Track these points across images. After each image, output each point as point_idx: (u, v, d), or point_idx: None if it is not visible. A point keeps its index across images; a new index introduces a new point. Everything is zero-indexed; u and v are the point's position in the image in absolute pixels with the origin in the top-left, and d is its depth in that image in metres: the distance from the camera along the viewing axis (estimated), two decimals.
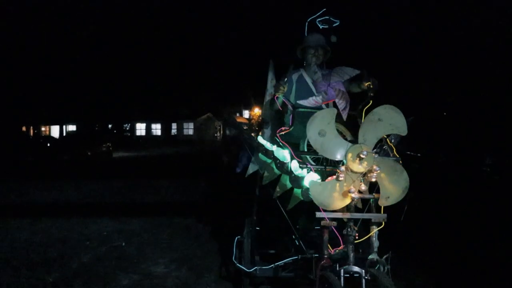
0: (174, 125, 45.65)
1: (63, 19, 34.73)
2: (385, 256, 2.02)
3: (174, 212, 6.33)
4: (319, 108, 2.73)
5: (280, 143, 2.45)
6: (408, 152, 11.25)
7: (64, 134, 42.83)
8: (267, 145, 2.49)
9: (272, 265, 2.74)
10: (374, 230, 2.04)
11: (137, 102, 41.76)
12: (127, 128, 45.37)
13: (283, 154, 2.37)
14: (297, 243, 2.66)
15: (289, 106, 2.78)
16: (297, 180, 2.25)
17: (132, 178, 10.96)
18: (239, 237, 3.32)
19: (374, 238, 2.05)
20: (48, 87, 35.93)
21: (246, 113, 54.54)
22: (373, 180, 1.95)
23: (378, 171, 1.91)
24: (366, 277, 1.91)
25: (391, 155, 2.18)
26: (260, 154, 2.48)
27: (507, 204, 7.27)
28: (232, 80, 43.04)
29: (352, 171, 1.94)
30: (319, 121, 1.98)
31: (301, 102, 2.82)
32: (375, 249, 2.04)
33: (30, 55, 34.32)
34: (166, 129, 45.22)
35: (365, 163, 1.91)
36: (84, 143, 16.83)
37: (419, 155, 11.16)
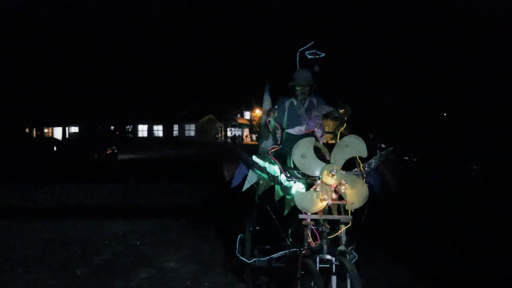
0: (175, 127, 46.14)
1: (66, 21, 35.28)
2: (350, 248, 2.64)
3: (181, 214, 6.89)
4: (303, 134, 3.39)
5: (271, 160, 3.02)
6: (406, 158, 11.89)
7: (67, 135, 43.41)
8: (260, 162, 3.06)
9: (268, 257, 3.38)
10: (343, 228, 2.66)
11: (139, 103, 42.33)
12: (129, 130, 45.81)
13: (274, 169, 2.98)
14: (288, 240, 3.29)
15: (278, 128, 3.39)
16: (286, 189, 2.87)
17: (139, 181, 11.53)
18: (241, 235, 3.89)
19: (342, 234, 2.65)
20: (51, 89, 36.52)
21: (247, 114, 55.09)
22: (342, 191, 2.57)
23: (346, 184, 2.54)
24: (336, 263, 2.51)
25: (358, 170, 2.80)
26: (256, 170, 3.04)
27: (488, 204, 7.91)
28: (233, 82, 43.62)
29: (326, 184, 2.57)
30: (302, 146, 2.65)
31: (289, 130, 3.48)
32: (343, 242, 2.63)
33: (34, 58, 34.89)
34: (168, 130, 45.74)
35: (335, 178, 2.55)
36: (90, 146, 17.36)
37: (415, 160, 11.75)
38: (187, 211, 7.26)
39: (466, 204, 8.06)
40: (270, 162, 3.07)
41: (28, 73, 34.71)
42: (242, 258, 3.58)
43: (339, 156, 2.62)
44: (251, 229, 3.82)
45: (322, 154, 2.84)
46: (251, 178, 3.10)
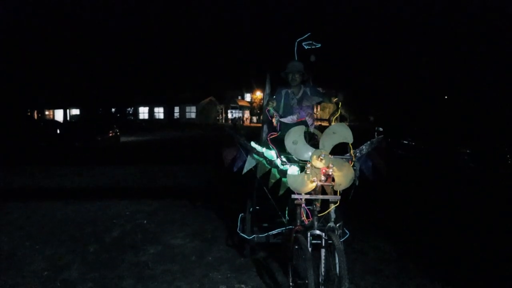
0: (176, 109, 46.24)
1: (66, 3, 34.97)
2: (338, 224, 2.98)
3: (184, 195, 7.21)
4: (296, 123, 3.72)
5: (269, 145, 3.31)
6: (405, 142, 12.20)
7: (68, 118, 43.55)
8: (258, 148, 3.34)
9: (266, 234, 3.77)
10: (332, 207, 2.97)
11: (140, 86, 42.30)
12: (130, 112, 45.83)
13: (271, 154, 3.28)
14: (284, 219, 3.65)
15: (277, 116, 3.68)
16: (283, 172, 3.18)
17: (142, 163, 11.83)
18: (242, 214, 4.28)
19: (332, 212, 2.97)
20: (52, 71, 36.48)
21: (247, 96, 55.08)
22: (330, 173, 2.86)
23: (333, 167, 2.84)
24: (325, 238, 2.82)
25: (348, 154, 3.11)
26: (254, 155, 3.32)
27: (478, 185, 8.36)
28: (234, 64, 43.52)
29: (315, 167, 2.87)
30: (293, 134, 2.98)
31: (282, 119, 3.78)
32: (332, 219, 2.94)
33: (35, 41, 34.75)
34: (168, 112, 45.85)
35: (323, 162, 2.85)
36: (93, 128, 17.61)
37: (413, 143, 12.05)
38: (189, 192, 7.57)
39: (458, 187, 8.39)
40: (268, 147, 3.36)
41: (29, 56, 34.62)
42: (243, 234, 3.94)
43: (327, 142, 2.92)
44: (251, 209, 4.15)
45: (317, 140, 3.12)
46: (250, 162, 3.38)
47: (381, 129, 3.28)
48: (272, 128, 3.95)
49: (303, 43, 3.92)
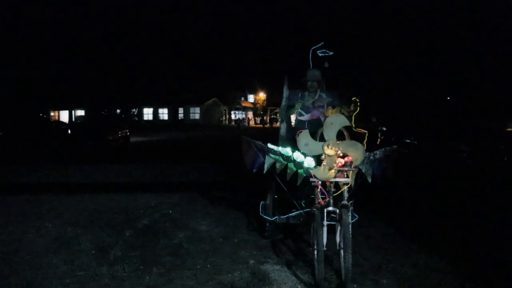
0: (180, 110, 46.84)
1: (71, 5, 35.63)
2: (349, 202, 3.53)
3: (202, 190, 7.76)
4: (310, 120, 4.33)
5: (285, 142, 3.93)
6: (407, 141, 12.72)
7: (73, 119, 44.21)
8: (274, 148, 3.87)
9: (287, 215, 4.36)
10: (344, 187, 3.55)
11: (144, 87, 42.98)
12: (135, 113, 46.45)
13: (287, 151, 3.83)
14: (299, 205, 4.23)
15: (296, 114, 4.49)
16: (299, 164, 3.74)
17: (154, 161, 12.41)
18: (262, 202, 4.83)
19: (344, 192, 3.54)
20: (57, 73, 37.12)
21: (251, 97, 55.64)
22: (341, 154, 3.45)
23: (340, 148, 3.42)
24: (339, 213, 3.42)
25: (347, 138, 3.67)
26: (271, 154, 3.85)
27: (475, 180, 8.95)
28: (237, 65, 44.15)
29: (328, 155, 3.46)
30: (303, 139, 3.58)
31: (300, 118, 4.44)
32: (345, 198, 3.52)
33: (41, 43, 35.40)
34: (173, 113, 46.48)
35: (333, 148, 3.42)
36: (105, 129, 18.17)
37: (415, 143, 12.58)
38: (207, 187, 8.12)
39: (457, 181, 8.94)
40: (284, 145, 3.95)
41: (35, 58, 35.27)
42: (266, 217, 4.51)
43: (330, 132, 3.50)
44: (271, 196, 4.67)
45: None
46: (268, 161, 3.93)
47: (384, 128, 3.83)
48: (289, 125, 4.54)
49: (317, 51, 4.45)
